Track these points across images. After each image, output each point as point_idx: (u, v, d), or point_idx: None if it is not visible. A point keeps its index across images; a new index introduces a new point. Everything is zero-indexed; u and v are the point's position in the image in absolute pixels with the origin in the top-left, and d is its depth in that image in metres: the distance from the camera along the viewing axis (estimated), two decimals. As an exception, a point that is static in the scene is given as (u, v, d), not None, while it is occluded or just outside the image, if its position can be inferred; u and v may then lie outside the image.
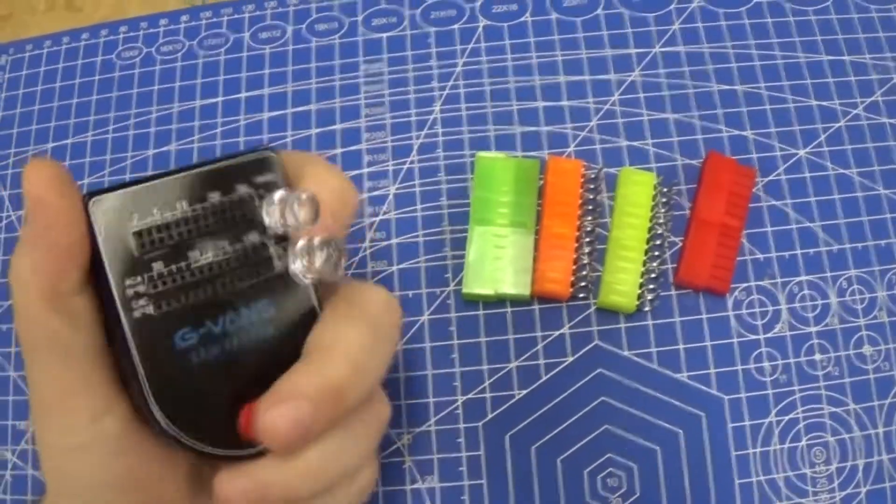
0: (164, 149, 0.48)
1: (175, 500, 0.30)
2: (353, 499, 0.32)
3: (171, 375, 0.28)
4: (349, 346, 0.29)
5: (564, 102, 0.47)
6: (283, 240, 0.29)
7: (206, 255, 0.28)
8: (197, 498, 0.31)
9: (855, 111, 0.47)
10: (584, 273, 0.43)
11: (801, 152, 0.46)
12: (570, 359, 0.42)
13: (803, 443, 0.41)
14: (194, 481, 0.31)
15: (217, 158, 0.29)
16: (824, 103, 0.47)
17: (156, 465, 0.29)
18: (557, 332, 0.43)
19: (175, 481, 0.30)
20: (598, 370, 0.42)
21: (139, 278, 0.27)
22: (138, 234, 0.27)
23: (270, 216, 0.29)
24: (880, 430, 0.41)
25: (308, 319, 0.30)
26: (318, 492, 0.30)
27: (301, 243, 0.29)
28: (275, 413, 0.27)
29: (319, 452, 0.29)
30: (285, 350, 0.29)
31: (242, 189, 0.29)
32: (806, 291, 0.43)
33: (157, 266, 0.27)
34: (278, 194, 0.29)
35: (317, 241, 0.29)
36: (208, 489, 0.32)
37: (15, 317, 0.27)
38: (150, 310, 0.27)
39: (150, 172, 0.28)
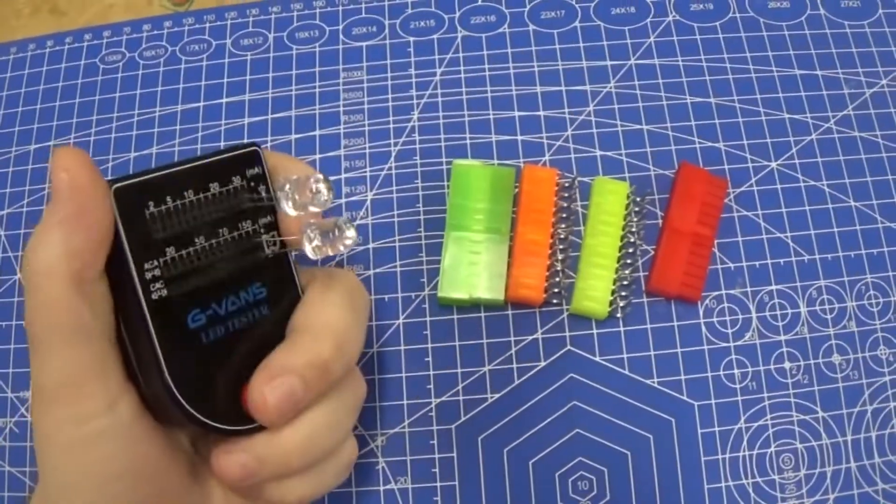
0: (146, 152, 0.48)
1: (177, 491, 0.31)
2: (339, 471, 0.34)
3: (186, 355, 0.29)
4: (334, 325, 0.31)
5: (540, 112, 0.48)
6: (272, 227, 0.32)
7: (209, 240, 0.30)
8: (195, 489, 0.32)
9: (827, 125, 0.47)
10: (558, 279, 0.44)
11: (773, 164, 0.46)
12: (543, 363, 0.43)
13: (772, 449, 0.41)
14: (192, 472, 0.32)
15: (213, 153, 0.31)
16: (796, 116, 0.48)
17: (161, 455, 0.30)
18: (530, 337, 0.43)
19: (178, 472, 0.31)
20: (570, 375, 0.42)
21: (155, 262, 0.29)
22: (154, 220, 0.29)
23: (293, 198, 0.31)
24: (848, 437, 0.42)
25: (293, 300, 0.33)
26: (309, 464, 0.32)
27: (313, 223, 0.31)
28: (266, 388, 0.29)
29: (309, 427, 0.31)
30: (276, 329, 0.32)
31: (236, 181, 0.31)
32: (776, 301, 0.44)
33: (170, 251, 0.29)
34: (298, 178, 0.31)
35: (337, 220, 0.31)
36: (203, 481, 0.33)
37: (31, 304, 0.27)
38: (165, 292, 0.29)
39: (152, 166, 0.29)
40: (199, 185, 0.30)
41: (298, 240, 0.31)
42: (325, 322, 0.31)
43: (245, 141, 0.32)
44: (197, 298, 0.30)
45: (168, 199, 0.29)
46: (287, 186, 0.31)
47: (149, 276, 0.28)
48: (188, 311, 0.30)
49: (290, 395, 0.29)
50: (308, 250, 0.31)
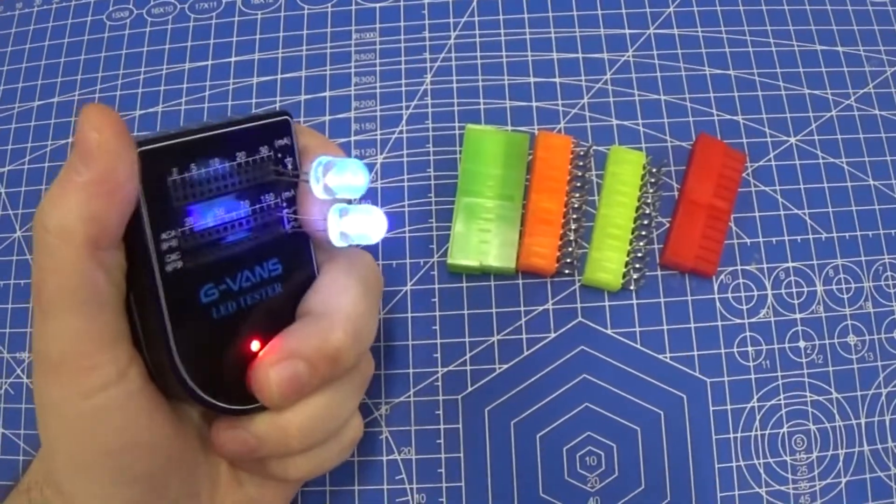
0: (151, 110, 0.47)
1: (185, 462, 0.30)
2: (343, 450, 0.33)
3: (195, 330, 0.28)
4: (350, 311, 0.30)
5: (556, 79, 0.47)
6: (295, 203, 0.30)
7: (230, 212, 0.29)
8: (203, 460, 0.32)
9: (847, 101, 0.46)
10: (570, 249, 0.43)
11: (792, 139, 0.45)
12: (553, 335, 0.42)
13: (784, 430, 0.41)
14: (200, 444, 0.32)
15: (242, 118, 0.29)
16: (817, 92, 0.47)
17: (168, 427, 0.29)
18: (541, 308, 0.42)
19: (186, 444, 0.30)
20: (581, 347, 0.42)
21: (173, 232, 0.27)
22: (175, 188, 0.27)
23: (322, 181, 0.29)
24: (862, 420, 0.41)
25: (308, 280, 0.31)
26: (311, 446, 0.31)
27: (340, 207, 0.30)
28: (271, 370, 0.28)
29: (312, 410, 0.30)
30: (287, 308, 0.31)
31: (264, 150, 0.29)
32: (792, 278, 0.43)
33: (189, 221, 0.28)
34: (331, 160, 0.29)
35: (368, 206, 0.30)
36: (211, 453, 0.32)
37: (42, 265, 0.26)
38: (180, 264, 0.28)
39: (176, 128, 0.28)
40: (226, 153, 0.28)
41: (322, 223, 0.30)
42: (342, 309, 0.30)
43: (276, 109, 0.30)
44: (212, 272, 0.29)
45: (192, 166, 0.27)
46: (319, 168, 0.29)
47: (165, 246, 0.27)
48: (201, 285, 0.28)
49: (295, 380, 0.29)
50: (332, 236, 0.30)
